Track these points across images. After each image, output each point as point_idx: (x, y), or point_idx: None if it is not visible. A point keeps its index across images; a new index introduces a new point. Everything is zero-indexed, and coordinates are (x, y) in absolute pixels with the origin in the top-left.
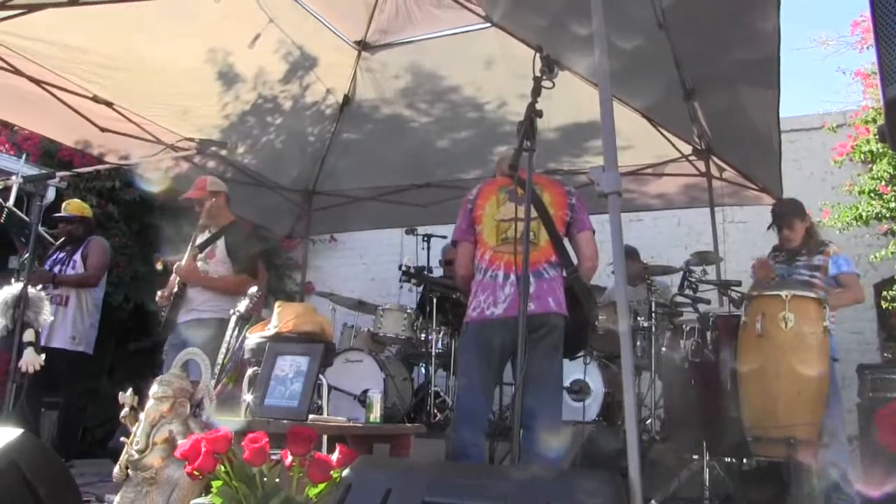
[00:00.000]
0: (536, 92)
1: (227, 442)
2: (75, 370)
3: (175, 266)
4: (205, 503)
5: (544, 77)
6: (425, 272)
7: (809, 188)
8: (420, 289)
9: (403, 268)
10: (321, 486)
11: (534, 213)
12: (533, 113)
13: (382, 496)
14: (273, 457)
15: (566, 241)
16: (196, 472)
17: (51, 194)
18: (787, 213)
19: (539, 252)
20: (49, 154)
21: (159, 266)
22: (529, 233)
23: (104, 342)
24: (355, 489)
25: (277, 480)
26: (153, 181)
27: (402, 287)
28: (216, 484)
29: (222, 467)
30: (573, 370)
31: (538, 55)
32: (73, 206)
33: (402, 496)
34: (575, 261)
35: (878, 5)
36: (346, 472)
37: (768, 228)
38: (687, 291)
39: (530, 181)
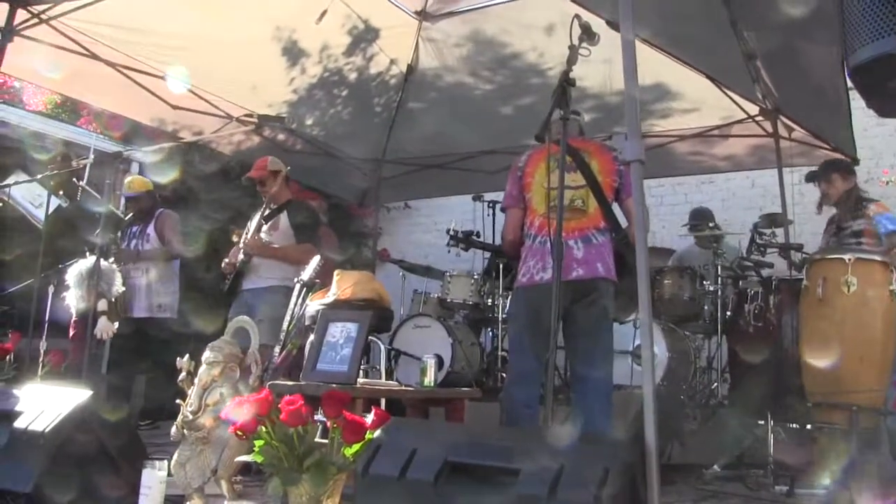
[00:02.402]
0: (572, 60)
1: (268, 404)
2: (163, 335)
3: (243, 242)
4: (248, 460)
5: (583, 44)
6: (473, 237)
7: (891, 146)
8: (487, 255)
9: (451, 232)
10: (356, 446)
11: (583, 181)
12: (566, 81)
13: (408, 456)
14: (321, 419)
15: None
16: (239, 433)
17: (134, 169)
18: (826, 167)
19: (588, 218)
20: (134, 131)
21: (235, 238)
22: (578, 200)
23: (190, 309)
24: (384, 449)
25: (318, 440)
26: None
27: (450, 251)
28: (258, 443)
29: (263, 428)
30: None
31: (576, 21)
32: (136, 183)
33: (426, 456)
34: (625, 225)
35: None
36: (376, 434)
37: (808, 181)
38: (755, 255)
39: (564, 149)
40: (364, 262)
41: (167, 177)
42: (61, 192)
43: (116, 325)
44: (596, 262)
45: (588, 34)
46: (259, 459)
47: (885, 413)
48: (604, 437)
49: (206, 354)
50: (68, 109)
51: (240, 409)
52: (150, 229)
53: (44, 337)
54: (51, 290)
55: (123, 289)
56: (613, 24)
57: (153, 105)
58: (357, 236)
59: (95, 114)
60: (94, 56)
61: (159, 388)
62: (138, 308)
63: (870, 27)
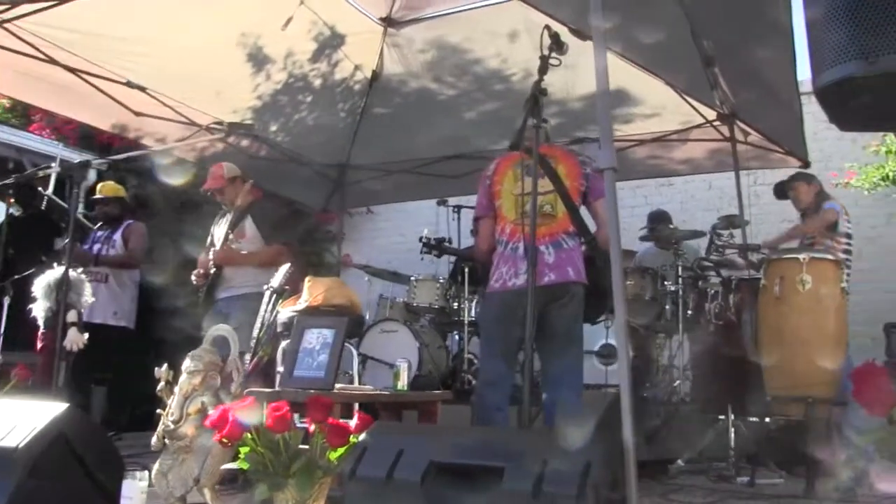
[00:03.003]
0: (543, 70)
1: (252, 411)
2: (119, 345)
3: (211, 253)
4: (233, 468)
5: (552, 54)
6: (445, 243)
7: (840, 149)
8: (453, 259)
9: (424, 239)
10: (340, 450)
11: (551, 187)
12: (538, 91)
13: (394, 457)
14: (301, 425)
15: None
16: (224, 440)
17: (91, 176)
18: (790, 179)
19: (557, 223)
20: (88, 137)
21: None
22: (547, 206)
23: (149, 319)
24: (370, 452)
25: (301, 446)
26: (178, 171)
27: (422, 258)
28: (244, 450)
29: (248, 435)
30: (602, 334)
31: (545, 32)
32: (108, 188)
33: (412, 457)
34: (593, 228)
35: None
36: (362, 437)
37: (776, 196)
38: (714, 255)
39: (536, 157)
40: (327, 267)
41: (179, 179)
42: (12, 201)
43: (86, 336)
44: (567, 266)
45: (557, 45)
46: (245, 466)
47: (838, 403)
48: (583, 435)
49: (187, 363)
50: (18, 114)
51: (250, 412)
52: (117, 236)
53: None
54: (6, 300)
55: (93, 299)
56: (577, 32)
57: (115, 111)
58: (320, 241)
59: (47, 119)
60: (53, 61)
61: (119, 398)
62: (94, 314)
63: (833, 52)
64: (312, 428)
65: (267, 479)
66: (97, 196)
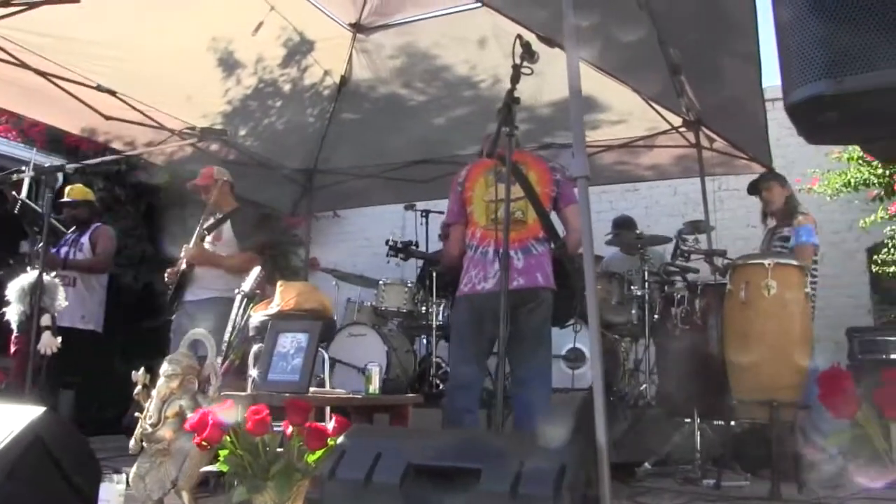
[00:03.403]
0: (515, 79)
1: (231, 414)
2: (87, 348)
3: (184, 249)
4: (213, 470)
5: (524, 63)
6: (411, 246)
7: (804, 155)
8: (420, 263)
9: (390, 242)
10: (318, 452)
11: (522, 193)
12: (511, 100)
13: (373, 460)
14: (277, 428)
15: (555, 216)
16: (204, 443)
17: (58, 178)
18: (763, 178)
19: (527, 229)
20: (56, 140)
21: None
22: (518, 212)
23: (115, 322)
24: (348, 454)
25: (280, 449)
26: (157, 171)
27: (388, 262)
28: (223, 453)
29: (228, 438)
30: (569, 339)
31: (517, 42)
32: (77, 191)
33: (390, 460)
34: (563, 233)
35: (778, 13)
36: (340, 439)
37: (749, 193)
38: (679, 260)
39: (509, 165)
40: (293, 271)
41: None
42: None
43: (59, 339)
44: (535, 272)
45: (529, 53)
46: (224, 469)
47: (802, 407)
48: (558, 438)
49: (165, 367)
50: None
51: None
52: (85, 239)
53: None
54: None
55: (66, 303)
56: (545, 39)
57: (85, 115)
58: (287, 245)
59: (13, 121)
60: (24, 65)
61: (86, 402)
62: (62, 317)
63: (802, 70)
64: (290, 431)
65: (246, 482)
66: (66, 199)
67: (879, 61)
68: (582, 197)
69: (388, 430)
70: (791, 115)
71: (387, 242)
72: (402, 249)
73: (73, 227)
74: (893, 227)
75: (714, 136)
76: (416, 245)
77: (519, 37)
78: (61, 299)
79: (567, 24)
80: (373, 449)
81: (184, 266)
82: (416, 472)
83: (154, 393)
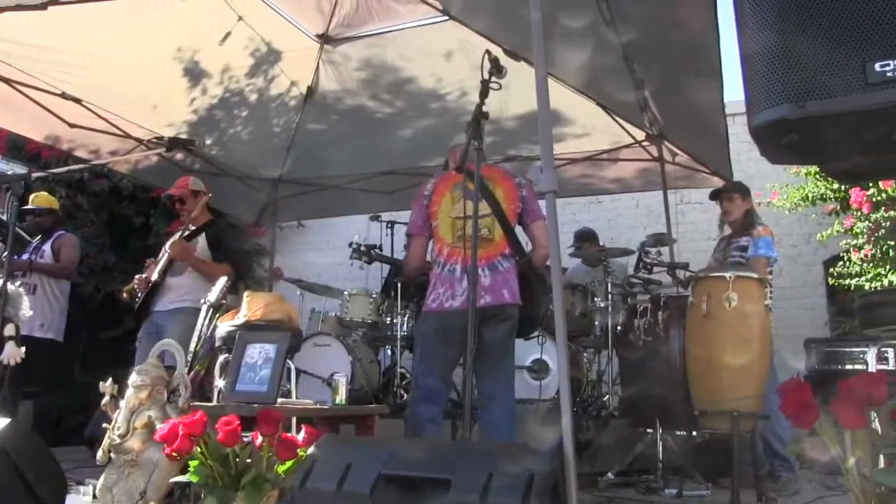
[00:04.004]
0: (484, 94)
1: (202, 425)
2: (46, 357)
3: (170, 243)
4: (183, 481)
5: (492, 78)
6: (374, 250)
7: (762, 169)
8: (385, 273)
9: (354, 245)
10: (288, 463)
11: (489, 210)
12: (479, 115)
13: (343, 470)
14: (244, 438)
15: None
16: (174, 454)
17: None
18: (728, 187)
19: (494, 246)
20: (17, 147)
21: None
22: (484, 229)
23: (76, 331)
24: (319, 465)
25: (249, 460)
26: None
27: (352, 265)
28: (193, 464)
29: (198, 448)
30: (533, 350)
31: (486, 56)
32: (41, 199)
33: (361, 470)
34: (528, 247)
35: (744, 38)
36: (310, 450)
37: (710, 198)
38: (642, 272)
39: (478, 181)
40: (256, 281)
41: None
42: None
43: (23, 349)
44: (502, 289)
45: (497, 68)
46: (195, 479)
47: (762, 417)
48: (525, 449)
49: (133, 378)
50: None
51: (174, 431)
52: (47, 247)
53: None
54: None
55: (31, 313)
56: (511, 53)
57: (49, 123)
58: (250, 254)
59: None
60: None
61: (45, 412)
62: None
63: (767, 95)
64: (259, 441)
65: (216, 493)
66: (29, 207)
67: (839, 88)
68: (550, 212)
69: (358, 440)
70: (755, 136)
71: (350, 244)
72: (366, 253)
73: (34, 234)
74: (849, 241)
75: (676, 150)
76: (381, 249)
77: (487, 52)
78: (26, 309)
79: (536, 42)
80: (343, 459)
81: (154, 276)
82: (386, 481)
83: (122, 404)
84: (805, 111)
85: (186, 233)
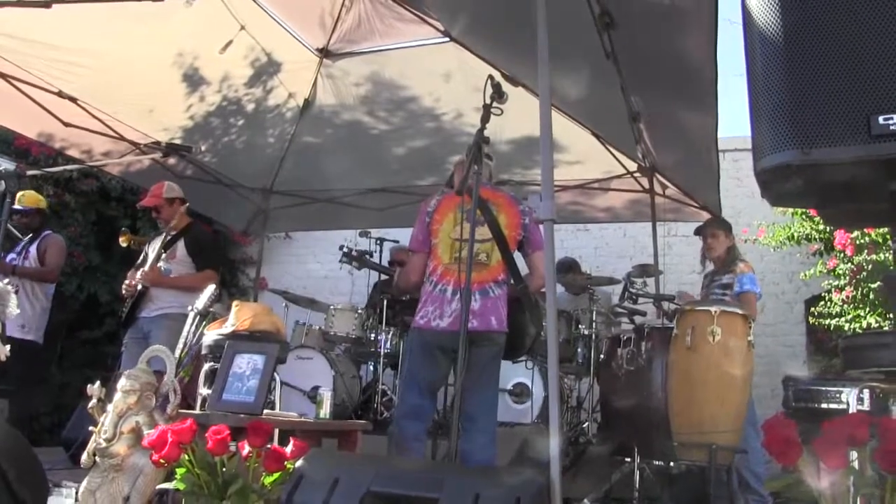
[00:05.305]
0: (485, 119)
1: (191, 433)
2: (24, 358)
3: (140, 272)
4: (169, 488)
5: (494, 103)
6: (366, 256)
7: (750, 206)
8: (371, 290)
9: (345, 249)
10: (275, 475)
11: (489, 235)
12: (480, 139)
13: (331, 485)
14: (229, 448)
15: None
16: (162, 461)
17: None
18: (712, 223)
19: (488, 272)
20: (6, 142)
21: (123, 242)
22: (482, 254)
23: (55, 331)
24: (306, 479)
25: (234, 470)
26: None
27: (341, 268)
28: (180, 471)
29: (186, 456)
30: (516, 373)
31: (489, 82)
32: (29, 198)
33: (348, 485)
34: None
35: (754, 84)
36: (298, 463)
37: (695, 233)
38: (627, 302)
39: (475, 206)
40: (241, 290)
41: None
42: None
43: (8, 347)
44: (490, 315)
45: (499, 94)
46: (181, 487)
47: (738, 451)
48: (510, 472)
49: (122, 382)
50: None
51: (163, 438)
52: (33, 248)
53: None
54: None
55: (18, 311)
56: (509, 78)
57: (43, 120)
58: (236, 263)
59: None
60: None
61: (20, 412)
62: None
63: (773, 140)
64: (246, 452)
65: (202, 501)
66: (17, 206)
67: (844, 138)
68: (547, 239)
69: (345, 455)
70: (759, 178)
71: (341, 248)
72: (357, 258)
73: (21, 233)
74: (831, 282)
75: (667, 183)
76: (371, 256)
77: (490, 77)
78: (13, 307)
79: (541, 74)
80: (331, 473)
81: (139, 287)
82: (373, 498)
83: (110, 408)
84: (810, 158)
85: (167, 239)
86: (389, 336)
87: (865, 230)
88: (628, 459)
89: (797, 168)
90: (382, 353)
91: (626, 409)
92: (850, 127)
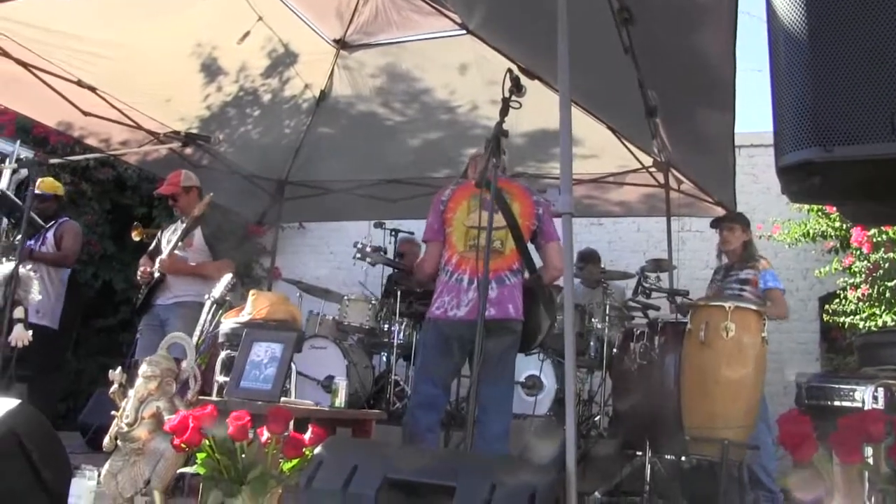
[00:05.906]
0: (504, 112)
1: (212, 419)
2: (41, 344)
3: (158, 260)
4: (191, 472)
5: (513, 97)
6: (381, 252)
7: (765, 202)
8: (385, 281)
9: (359, 245)
10: (294, 461)
11: (503, 223)
12: (500, 132)
13: (349, 472)
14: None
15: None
16: (183, 445)
17: (23, 170)
18: (729, 217)
19: (503, 260)
20: (24, 130)
21: (136, 236)
22: (497, 241)
23: (70, 319)
24: (325, 465)
25: (254, 456)
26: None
27: (355, 264)
28: (201, 456)
29: (207, 441)
30: (528, 366)
31: (508, 75)
32: (46, 185)
33: (366, 472)
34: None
35: (777, 81)
36: (317, 450)
37: (711, 226)
38: (640, 297)
39: (493, 198)
40: (255, 280)
41: None
42: None
43: (31, 332)
44: (507, 303)
45: (517, 87)
46: (202, 471)
47: (750, 447)
48: (526, 463)
49: (143, 368)
50: None
51: (184, 423)
52: (49, 234)
53: None
54: None
55: (40, 297)
56: (526, 71)
57: (63, 109)
58: (250, 253)
59: None
60: (5, 53)
61: (37, 396)
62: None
63: (795, 137)
64: (265, 438)
65: (222, 486)
66: (35, 192)
67: (866, 135)
68: (566, 233)
69: (363, 443)
70: (781, 175)
71: (355, 245)
72: (371, 254)
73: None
74: (846, 279)
75: (682, 178)
76: (385, 252)
77: (509, 70)
78: (35, 292)
79: (561, 69)
80: (350, 461)
81: (157, 274)
82: (391, 485)
83: (131, 393)
84: (832, 155)
85: (183, 227)
86: (402, 327)
87: (883, 228)
88: (639, 453)
89: (819, 165)
90: (395, 344)
91: (638, 403)
92: (873, 125)
